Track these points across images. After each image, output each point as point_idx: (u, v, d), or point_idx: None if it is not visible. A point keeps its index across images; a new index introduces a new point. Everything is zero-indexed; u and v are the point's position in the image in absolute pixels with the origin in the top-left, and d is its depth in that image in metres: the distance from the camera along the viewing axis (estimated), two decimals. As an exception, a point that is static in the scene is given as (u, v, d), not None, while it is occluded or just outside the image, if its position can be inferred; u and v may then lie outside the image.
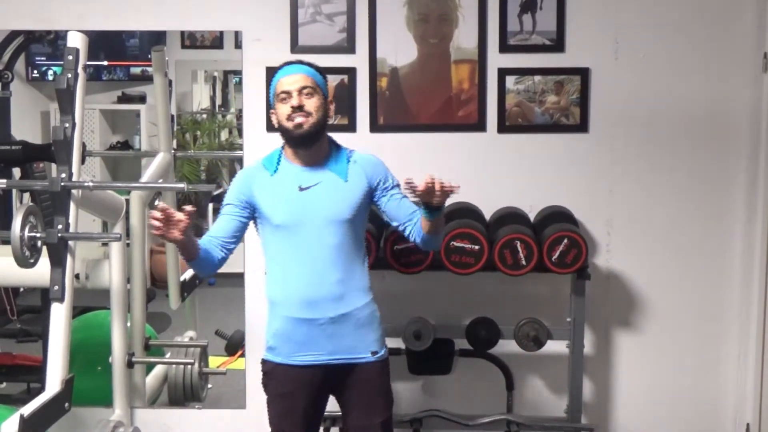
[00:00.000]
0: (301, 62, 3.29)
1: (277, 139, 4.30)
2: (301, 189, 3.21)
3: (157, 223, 2.94)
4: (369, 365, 3.28)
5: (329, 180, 3.23)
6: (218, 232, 3.27)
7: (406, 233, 3.34)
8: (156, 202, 5.20)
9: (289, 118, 3.16)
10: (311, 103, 3.17)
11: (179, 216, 2.97)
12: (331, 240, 3.19)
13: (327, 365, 3.24)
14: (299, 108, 3.15)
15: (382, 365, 3.34)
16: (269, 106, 3.33)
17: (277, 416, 3.33)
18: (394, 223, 3.37)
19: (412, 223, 3.30)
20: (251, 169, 3.34)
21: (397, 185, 3.32)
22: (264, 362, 3.35)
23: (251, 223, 3.34)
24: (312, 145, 3.21)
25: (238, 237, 3.30)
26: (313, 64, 3.31)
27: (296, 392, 3.26)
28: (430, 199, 3.08)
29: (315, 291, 3.20)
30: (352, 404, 3.32)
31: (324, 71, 3.33)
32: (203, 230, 3.33)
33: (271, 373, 3.31)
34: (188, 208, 3.03)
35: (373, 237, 3.88)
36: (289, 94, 3.18)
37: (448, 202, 3.15)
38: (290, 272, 3.23)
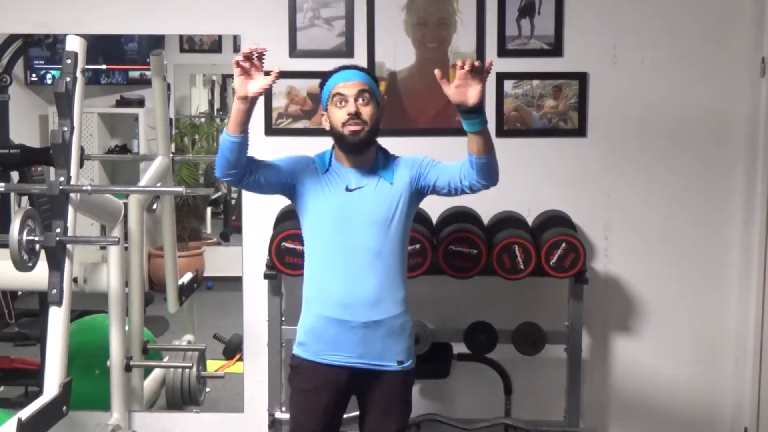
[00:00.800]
0: (357, 67, 3.28)
1: (275, 144, 4.34)
2: (348, 190, 3.21)
3: (245, 64, 2.96)
4: (393, 374, 3.28)
5: (375, 183, 3.23)
6: (261, 161, 3.23)
7: (462, 183, 3.20)
8: (154, 206, 5.21)
9: (345, 124, 3.15)
10: (367, 111, 3.17)
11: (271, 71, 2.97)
12: (373, 244, 3.18)
13: (353, 368, 3.24)
14: (356, 115, 3.14)
15: (407, 376, 3.33)
16: (324, 110, 3.28)
17: (297, 411, 3.33)
18: (449, 184, 3.23)
19: (463, 170, 3.19)
20: (307, 158, 3.30)
21: (431, 162, 3.28)
22: (293, 357, 3.34)
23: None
24: (364, 151, 3.22)
25: (267, 179, 3.22)
26: (368, 70, 3.32)
27: (320, 390, 3.26)
28: (464, 97, 3.01)
29: (352, 294, 3.19)
30: (371, 409, 3.32)
31: (377, 79, 3.32)
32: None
33: (298, 368, 3.31)
34: (276, 70, 3.01)
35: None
36: (344, 97, 3.16)
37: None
38: (329, 271, 3.23)
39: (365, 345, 3.22)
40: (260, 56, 3.02)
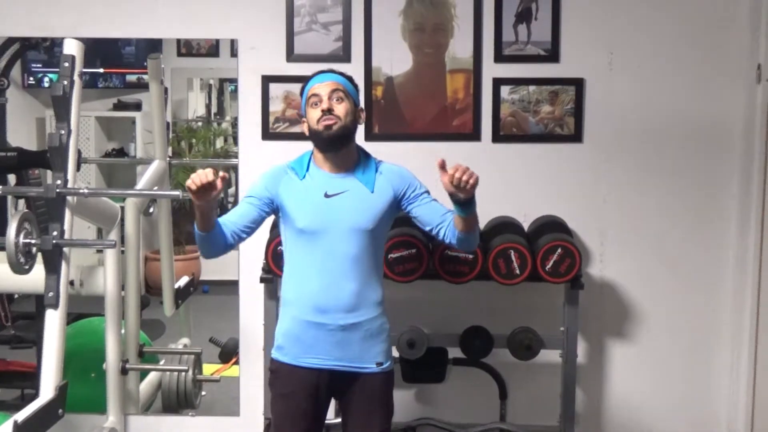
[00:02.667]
0: (332, 71, 3.30)
1: (272, 148, 4.34)
2: (327, 196, 3.20)
3: (194, 183, 2.93)
4: (373, 376, 3.28)
5: (355, 189, 3.23)
6: (235, 218, 3.23)
7: (440, 236, 3.29)
8: (150, 210, 5.21)
9: (320, 120, 3.17)
10: (341, 108, 3.18)
11: (214, 179, 2.95)
12: (351, 249, 3.19)
13: (332, 370, 3.24)
14: (328, 111, 3.16)
15: (386, 377, 3.34)
16: (301, 116, 3.33)
17: (279, 416, 3.33)
18: (427, 228, 3.31)
19: (445, 224, 3.25)
20: (280, 169, 3.31)
21: (427, 191, 3.30)
22: (272, 361, 3.35)
23: (266, 221, 3.33)
24: (341, 148, 3.21)
25: (252, 229, 3.27)
26: (345, 73, 3.32)
27: (299, 393, 3.26)
28: (458, 192, 3.03)
29: (329, 298, 3.20)
30: (353, 412, 3.32)
31: (356, 82, 3.33)
32: (226, 208, 3.26)
33: (278, 372, 3.31)
34: (223, 174, 3.00)
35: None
36: (319, 97, 3.19)
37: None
38: (307, 276, 3.23)
39: (343, 347, 3.22)
40: (210, 185, 2.98)
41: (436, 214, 3.27)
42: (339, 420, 3.45)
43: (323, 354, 3.22)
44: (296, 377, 3.25)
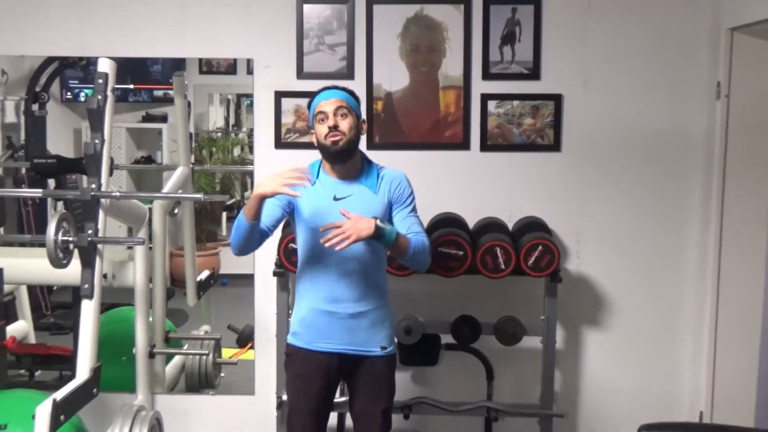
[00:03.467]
0: (336, 87, 3.32)
1: (284, 156, 4.35)
2: (336, 199, 3.24)
3: (291, 178, 3.01)
4: (377, 359, 3.31)
5: (360, 192, 3.26)
6: (263, 217, 3.22)
7: None
8: (175, 211, 5.22)
9: (326, 136, 3.19)
10: (345, 124, 3.21)
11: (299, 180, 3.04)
12: (357, 246, 3.19)
13: (342, 354, 3.27)
14: (334, 128, 3.18)
15: (389, 360, 3.37)
16: (309, 128, 3.34)
17: (294, 395, 3.35)
18: None
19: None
20: None
21: (410, 206, 3.33)
22: (287, 345, 3.38)
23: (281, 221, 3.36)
24: (346, 160, 3.24)
25: (275, 226, 3.29)
26: (347, 88, 3.33)
27: (312, 374, 3.29)
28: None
29: (339, 289, 3.24)
30: (359, 391, 3.35)
31: (357, 95, 3.35)
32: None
33: (293, 355, 3.34)
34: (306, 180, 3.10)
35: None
36: (325, 114, 3.21)
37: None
38: (319, 270, 3.27)
39: (352, 333, 3.26)
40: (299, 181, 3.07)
41: (402, 229, 3.27)
42: (345, 399, 3.46)
43: (334, 339, 3.26)
44: (311, 360, 3.28)
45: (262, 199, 3.07)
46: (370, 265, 3.28)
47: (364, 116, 3.42)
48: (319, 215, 3.22)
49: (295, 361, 3.34)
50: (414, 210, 3.36)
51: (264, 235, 3.26)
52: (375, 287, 3.30)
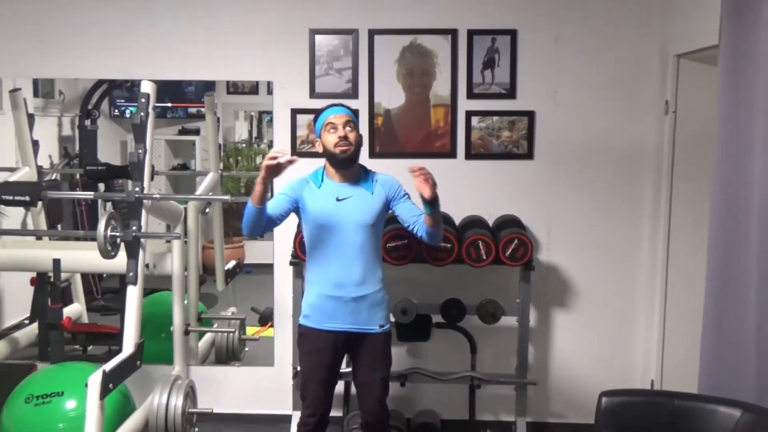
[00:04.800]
0: (342, 105, 3.33)
1: (299, 164, 4.32)
2: (338, 200, 3.24)
3: (271, 160, 3.06)
4: (376, 335, 3.31)
5: (359, 195, 3.26)
6: (273, 205, 3.26)
7: (414, 231, 3.34)
8: (206, 210, 5.21)
9: (336, 145, 3.19)
10: (352, 136, 3.22)
11: (284, 161, 3.08)
12: (358, 239, 3.22)
13: (347, 332, 3.28)
14: (344, 138, 3.19)
15: (386, 336, 3.37)
16: (317, 137, 3.34)
17: (306, 368, 3.34)
18: (405, 225, 3.37)
19: (419, 222, 3.30)
20: (301, 179, 3.33)
21: (407, 195, 3.35)
22: (300, 326, 3.37)
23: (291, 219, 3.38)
24: (350, 166, 3.25)
25: (283, 217, 3.30)
26: (350, 107, 3.35)
27: (322, 350, 3.28)
28: (422, 190, 3.11)
29: (343, 276, 3.23)
30: (361, 363, 3.35)
31: (356, 115, 3.39)
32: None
33: (305, 334, 3.33)
34: (293, 158, 3.12)
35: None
36: (335, 126, 3.21)
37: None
38: (326, 261, 3.26)
39: (355, 314, 3.26)
40: (288, 163, 3.10)
41: (412, 214, 3.33)
42: (350, 369, 3.46)
43: (340, 320, 3.26)
44: (320, 338, 3.28)
45: (263, 183, 3.10)
46: (369, 254, 3.27)
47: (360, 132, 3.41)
48: (323, 214, 3.23)
49: (307, 340, 3.34)
50: (411, 200, 3.37)
51: (271, 221, 3.25)
52: (373, 274, 3.30)
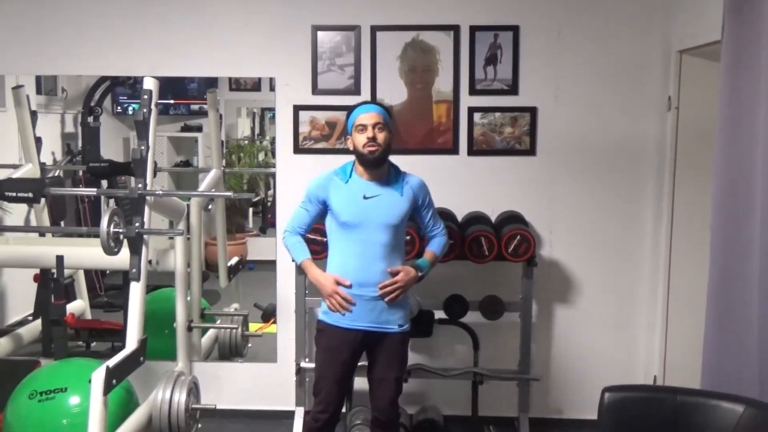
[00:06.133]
0: (375, 103, 3.34)
1: (301, 160, 4.34)
2: (365, 198, 3.22)
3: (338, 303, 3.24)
4: (394, 335, 3.30)
5: (386, 194, 3.25)
6: (304, 223, 3.37)
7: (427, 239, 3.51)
8: (209, 206, 5.22)
9: (365, 146, 3.19)
10: (381, 136, 3.21)
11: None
12: (382, 239, 3.21)
13: (366, 330, 3.26)
14: (373, 139, 3.18)
15: (404, 336, 3.36)
16: (346, 134, 3.33)
17: (322, 364, 3.33)
18: (421, 231, 3.53)
19: (432, 236, 3.47)
20: (327, 176, 3.32)
21: (430, 204, 3.41)
22: (319, 322, 3.35)
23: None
24: (378, 167, 3.25)
25: (311, 226, 3.38)
26: (383, 105, 3.34)
27: (340, 347, 3.27)
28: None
29: (365, 275, 3.22)
30: (378, 361, 3.33)
31: (391, 111, 3.36)
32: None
33: (324, 331, 3.32)
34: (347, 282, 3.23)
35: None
36: (365, 126, 3.20)
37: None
38: (348, 258, 3.25)
39: (375, 313, 3.24)
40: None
41: (430, 228, 3.45)
42: (364, 363, 3.43)
43: (360, 318, 3.24)
44: (339, 335, 3.27)
45: (316, 282, 3.30)
46: (391, 253, 3.26)
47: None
48: (349, 211, 3.22)
49: (325, 336, 3.32)
50: (433, 208, 3.44)
51: (305, 234, 3.38)
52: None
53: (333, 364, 3.29)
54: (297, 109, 4.34)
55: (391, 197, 3.25)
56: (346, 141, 3.32)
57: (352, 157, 3.31)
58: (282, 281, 4.44)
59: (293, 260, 3.43)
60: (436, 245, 3.46)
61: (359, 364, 3.41)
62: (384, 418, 3.36)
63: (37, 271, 4.84)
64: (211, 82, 5.20)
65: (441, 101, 4.31)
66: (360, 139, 3.20)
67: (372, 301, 3.23)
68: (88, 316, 5.33)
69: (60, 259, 4.13)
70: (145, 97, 3.59)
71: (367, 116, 3.22)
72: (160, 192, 3.72)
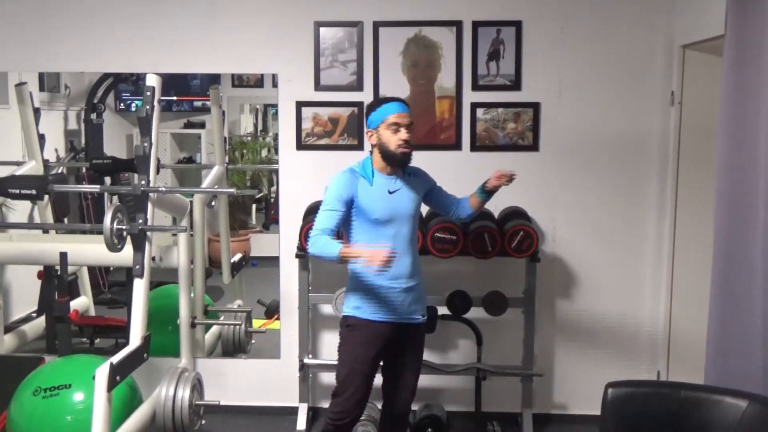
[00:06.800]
0: (404, 102, 3.26)
1: (304, 156, 4.34)
2: (390, 192, 3.22)
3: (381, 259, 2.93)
4: (419, 325, 3.34)
5: (404, 186, 3.26)
6: (333, 226, 3.13)
7: (453, 216, 3.48)
8: (212, 203, 5.22)
9: (399, 147, 3.16)
10: (413, 138, 3.21)
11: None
12: (408, 230, 3.23)
13: (396, 323, 3.25)
14: (407, 142, 3.17)
15: (424, 326, 3.40)
16: (369, 128, 3.25)
17: (353, 360, 3.25)
18: (443, 212, 3.48)
19: (458, 207, 3.44)
20: (349, 174, 3.21)
21: (437, 184, 3.43)
22: (349, 318, 3.27)
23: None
24: (406, 165, 3.25)
25: (338, 227, 3.20)
26: (407, 102, 3.28)
27: (373, 341, 3.24)
28: (498, 187, 3.32)
29: (397, 268, 3.17)
30: (404, 351, 3.33)
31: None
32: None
33: (356, 326, 3.25)
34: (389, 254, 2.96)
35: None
36: (398, 126, 3.16)
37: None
38: None
39: (404, 305, 3.26)
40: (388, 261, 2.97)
41: (449, 201, 3.46)
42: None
43: (392, 310, 3.24)
44: (372, 329, 3.24)
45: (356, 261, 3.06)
46: (415, 245, 3.30)
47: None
48: (381, 208, 3.18)
49: (357, 331, 3.25)
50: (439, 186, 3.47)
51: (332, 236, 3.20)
52: (417, 265, 3.31)
53: (366, 359, 3.24)
54: (300, 105, 4.34)
55: (409, 189, 3.27)
56: (368, 136, 3.26)
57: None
58: (285, 277, 4.44)
59: (330, 259, 3.07)
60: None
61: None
62: (403, 409, 3.38)
63: (41, 267, 4.85)
64: (214, 79, 5.20)
65: (444, 97, 4.30)
66: (393, 140, 3.16)
67: (403, 293, 3.24)
68: (92, 312, 5.34)
69: (63, 255, 4.14)
70: (148, 93, 3.59)
71: (401, 116, 3.18)
72: (163, 189, 3.73)
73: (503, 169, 3.30)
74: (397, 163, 3.21)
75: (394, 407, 3.38)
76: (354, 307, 3.27)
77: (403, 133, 3.16)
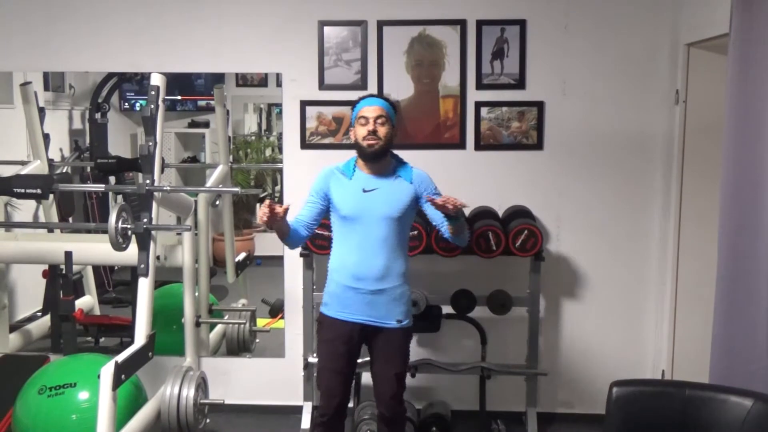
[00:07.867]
0: (379, 96, 3.30)
1: (308, 155, 4.34)
2: (364, 191, 3.21)
3: (264, 216, 3.01)
4: (393, 330, 3.28)
5: (388, 186, 3.23)
6: (303, 216, 3.29)
7: (441, 231, 3.35)
8: (216, 202, 5.22)
9: (364, 138, 3.18)
10: (382, 130, 3.19)
11: (278, 210, 3.02)
12: (381, 233, 3.19)
13: (363, 324, 3.25)
14: (373, 133, 3.17)
15: (404, 332, 3.32)
16: (350, 127, 3.31)
17: (322, 356, 3.34)
18: (434, 223, 3.36)
19: (444, 224, 3.28)
20: (330, 170, 3.30)
21: (437, 193, 3.28)
22: (320, 314, 3.36)
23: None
24: (378, 160, 3.23)
25: (318, 220, 3.31)
26: (389, 98, 3.32)
27: (338, 339, 3.26)
28: (445, 212, 3.13)
29: (363, 269, 3.20)
30: (377, 357, 3.32)
31: (396, 105, 3.32)
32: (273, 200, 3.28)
33: (323, 323, 3.32)
34: (285, 206, 3.05)
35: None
36: (367, 120, 3.19)
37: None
38: (348, 251, 3.24)
39: (372, 307, 3.23)
40: (273, 210, 3.03)
41: (439, 215, 3.27)
42: (367, 359, 3.43)
43: (357, 312, 3.24)
44: (336, 327, 3.27)
45: (270, 226, 3.10)
46: (392, 248, 3.23)
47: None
48: (348, 205, 3.21)
49: (324, 328, 3.33)
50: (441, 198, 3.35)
51: (308, 228, 3.30)
52: (394, 269, 3.25)
53: (331, 355, 3.29)
54: (304, 104, 4.34)
55: (391, 190, 3.23)
56: (350, 133, 3.31)
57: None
58: (289, 276, 4.44)
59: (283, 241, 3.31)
60: None
61: (363, 359, 3.42)
62: (387, 413, 3.35)
63: (46, 267, 4.85)
64: (218, 78, 5.20)
65: (448, 96, 4.30)
66: (360, 132, 3.20)
67: (369, 295, 3.22)
68: (97, 311, 5.35)
69: (69, 255, 4.15)
70: (153, 93, 3.60)
71: (371, 109, 3.21)
72: (168, 188, 3.73)
73: (456, 199, 3.08)
74: (366, 157, 3.22)
75: (381, 408, 3.37)
76: (323, 303, 3.34)
77: (370, 125, 3.17)
